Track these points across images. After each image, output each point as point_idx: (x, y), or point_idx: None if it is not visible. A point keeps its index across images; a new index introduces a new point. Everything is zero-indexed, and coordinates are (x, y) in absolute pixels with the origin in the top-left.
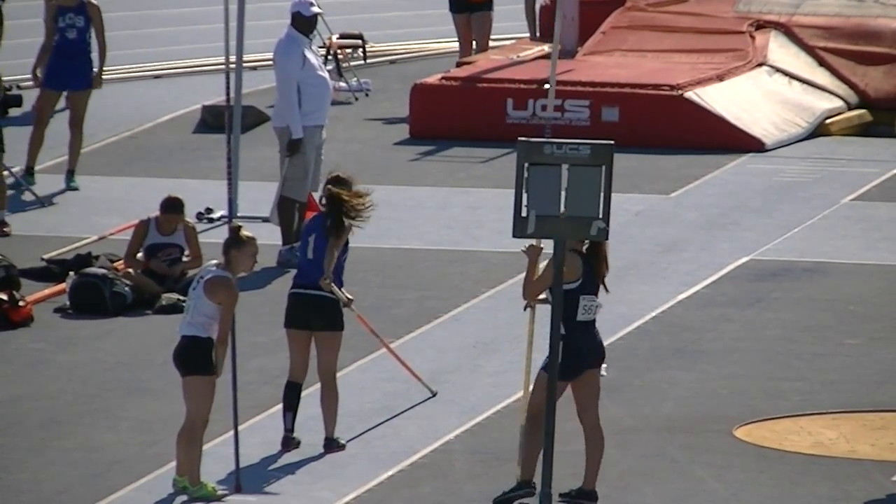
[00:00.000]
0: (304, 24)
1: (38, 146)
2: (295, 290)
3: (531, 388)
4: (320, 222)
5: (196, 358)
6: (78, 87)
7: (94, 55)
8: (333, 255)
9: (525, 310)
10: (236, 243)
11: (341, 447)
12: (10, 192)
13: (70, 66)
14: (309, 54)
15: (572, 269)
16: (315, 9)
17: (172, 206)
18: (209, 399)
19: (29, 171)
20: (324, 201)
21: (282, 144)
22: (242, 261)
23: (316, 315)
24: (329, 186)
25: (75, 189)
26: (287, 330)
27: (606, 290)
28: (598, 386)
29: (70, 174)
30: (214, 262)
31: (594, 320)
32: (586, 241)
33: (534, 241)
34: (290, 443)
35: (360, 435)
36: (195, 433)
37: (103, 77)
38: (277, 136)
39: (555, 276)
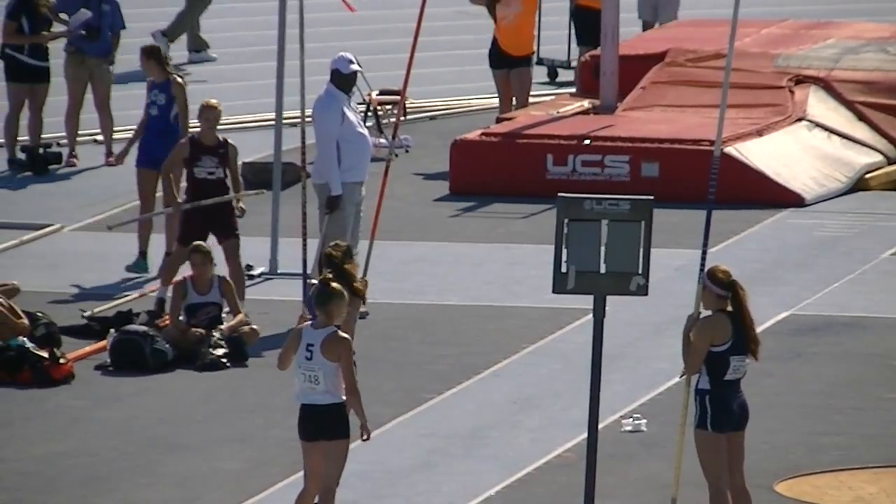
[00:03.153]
0: (342, 81)
1: (148, 230)
2: None
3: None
4: None
5: (342, 422)
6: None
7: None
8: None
9: (681, 377)
10: (332, 297)
11: None
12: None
13: (156, 143)
14: (348, 111)
15: (723, 331)
16: (354, 66)
17: (197, 249)
18: (345, 461)
19: (142, 255)
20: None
21: (321, 201)
22: (341, 311)
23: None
24: (331, 251)
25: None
26: None
27: (756, 357)
28: (743, 448)
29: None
30: (308, 322)
31: (740, 379)
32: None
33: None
34: None
35: (401, 491)
36: (331, 497)
37: None
38: (317, 193)
39: (595, 332)
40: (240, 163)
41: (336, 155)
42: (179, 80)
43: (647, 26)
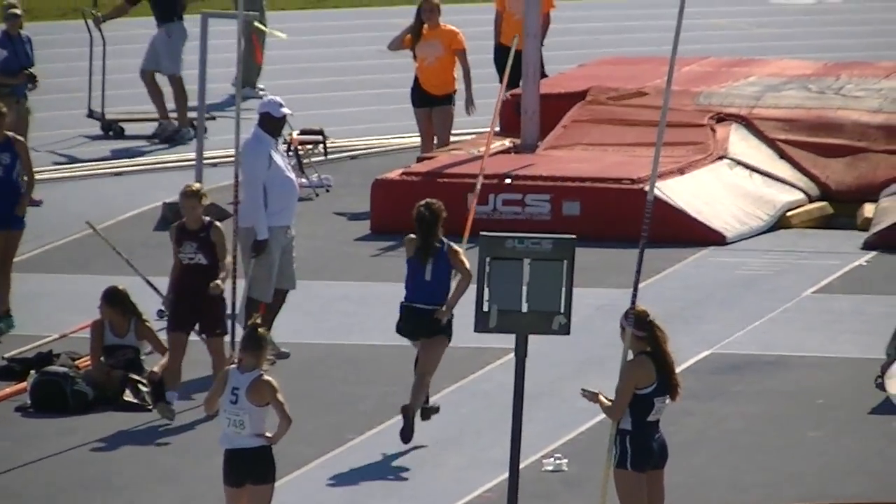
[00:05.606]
0: (273, 124)
1: (6, 288)
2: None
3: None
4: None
5: (269, 466)
6: (7, 226)
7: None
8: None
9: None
10: (262, 341)
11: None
12: None
13: (1, 203)
14: (275, 155)
15: (647, 374)
16: (285, 110)
17: (108, 298)
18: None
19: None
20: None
21: (246, 244)
22: (264, 358)
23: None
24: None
25: (5, 331)
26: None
27: (675, 399)
28: (663, 487)
29: (4, 314)
30: (233, 366)
31: (659, 419)
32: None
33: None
34: (429, 413)
35: None
36: None
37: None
38: (243, 236)
39: (517, 371)
40: (160, 203)
41: (263, 199)
42: (20, 137)
43: (148, 76)
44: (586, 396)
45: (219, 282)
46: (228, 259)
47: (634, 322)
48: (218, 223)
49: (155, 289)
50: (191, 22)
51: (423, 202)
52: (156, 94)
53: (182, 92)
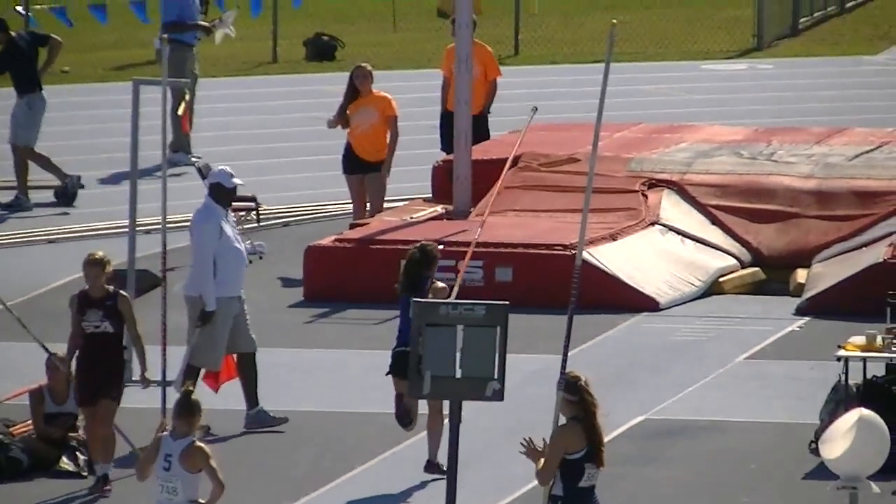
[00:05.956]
0: (224, 194)
1: None
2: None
3: None
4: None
5: None
6: None
7: None
8: None
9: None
10: (196, 408)
11: (442, 471)
12: None
13: None
14: (225, 225)
15: (577, 439)
16: (236, 180)
17: (55, 357)
18: None
19: None
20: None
21: (192, 313)
22: (198, 421)
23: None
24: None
25: None
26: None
27: (599, 466)
28: None
29: None
30: (166, 432)
31: (594, 486)
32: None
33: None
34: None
35: None
36: None
37: None
38: (189, 305)
39: (451, 437)
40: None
41: (212, 270)
42: None
43: (14, 149)
44: (525, 451)
45: (147, 376)
46: (140, 330)
47: (565, 386)
48: (123, 292)
49: (51, 355)
50: (122, 88)
51: (419, 244)
52: (43, 162)
53: (38, 157)
